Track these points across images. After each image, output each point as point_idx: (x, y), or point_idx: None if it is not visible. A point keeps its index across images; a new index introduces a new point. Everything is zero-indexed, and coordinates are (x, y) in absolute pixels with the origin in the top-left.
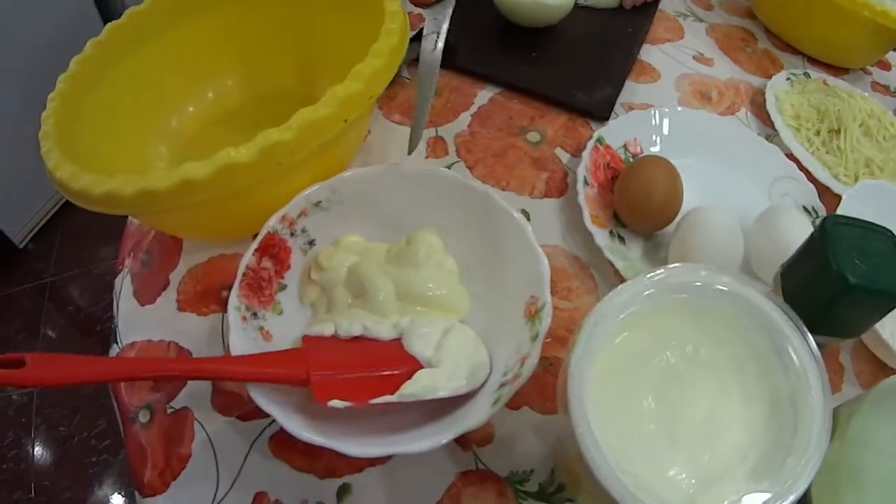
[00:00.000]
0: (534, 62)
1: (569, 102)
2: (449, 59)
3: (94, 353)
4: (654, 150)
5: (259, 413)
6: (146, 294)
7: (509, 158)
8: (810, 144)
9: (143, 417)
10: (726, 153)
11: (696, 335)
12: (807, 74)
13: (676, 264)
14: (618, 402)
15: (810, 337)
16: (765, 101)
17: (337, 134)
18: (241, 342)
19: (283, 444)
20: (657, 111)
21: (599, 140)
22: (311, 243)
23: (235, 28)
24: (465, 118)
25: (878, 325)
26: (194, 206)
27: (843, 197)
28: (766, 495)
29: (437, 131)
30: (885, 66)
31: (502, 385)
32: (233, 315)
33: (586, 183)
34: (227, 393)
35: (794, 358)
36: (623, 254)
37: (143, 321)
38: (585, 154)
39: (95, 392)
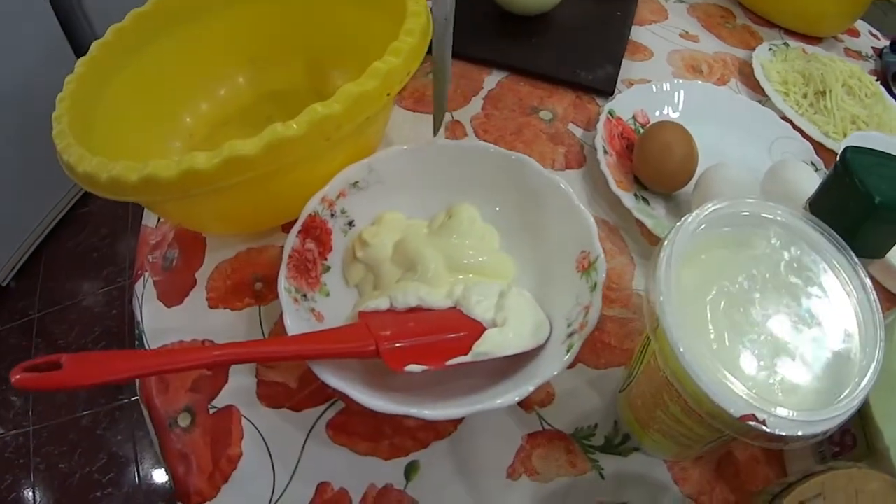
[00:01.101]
0: (534, 46)
1: (574, 81)
2: (460, 49)
3: None
4: (661, 118)
5: (312, 400)
6: (172, 296)
7: (526, 135)
8: (799, 107)
9: (184, 422)
10: (726, 118)
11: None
12: (786, 44)
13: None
14: (698, 315)
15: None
16: (752, 70)
17: (380, 108)
18: (297, 324)
19: (343, 429)
20: (656, 85)
21: (611, 113)
22: (351, 224)
23: (244, 26)
24: (477, 102)
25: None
26: (219, 194)
27: (842, 145)
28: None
29: (452, 115)
30: (854, 34)
31: (571, 335)
32: (285, 297)
33: (605, 152)
34: (273, 384)
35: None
36: (650, 213)
37: (171, 323)
38: (600, 126)
39: (92, 425)
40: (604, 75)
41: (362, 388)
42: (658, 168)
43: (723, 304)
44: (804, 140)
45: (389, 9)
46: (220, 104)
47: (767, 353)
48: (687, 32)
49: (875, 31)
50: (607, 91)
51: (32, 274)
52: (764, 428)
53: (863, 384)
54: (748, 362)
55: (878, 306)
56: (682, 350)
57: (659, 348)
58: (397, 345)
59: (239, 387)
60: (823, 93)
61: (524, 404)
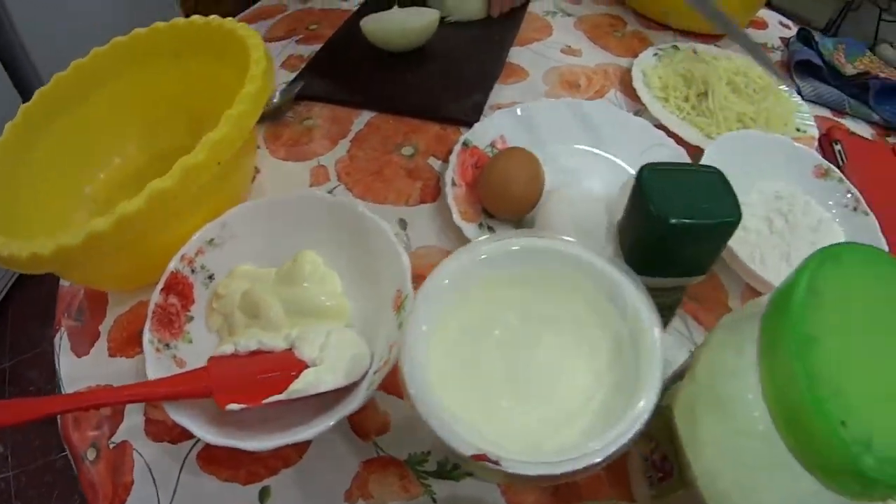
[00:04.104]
0: (405, 82)
1: (439, 114)
2: (326, 94)
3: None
4: (523, 143)
5: (185, 435)
6: (81, 347)
7: (385, 174)
8: (681, 111)
9: (91, 455)
10: (595, 134)
11: (536, 297)
12: (675, 47)
13: (487, 237)
14: (465, 366)
15: (640, 282)
16: (632, 79)
17: (216, 176)
18: (156, 370)
19: (209, 459)
20: (520, 107)
21: (465, 143)
22: (211, 277)
23: (130, 95)
24: (344, 145)
25: (747, 256)
26: (109, 257)
27: (706, 151)
28: (613, 431)
29: (318, 161)
30: (761, 25)
31: (376, 372)
32: (147, 348)
33: (454, 184)
34: (156, 422)
35: (629, 304)
36: None
37: (81, 372)
38: (452, 157)
39: (66, 467)
40: (470, 105)
41: (204, 424)
42: (498, 195)
43: (489, 346)
44: (677, 147)
45: (239, 63)
46: (117, 170)
47: (533, 391)
48: (570, 47)
49: (787, 21)
50: (471, 121)
51: (0, 324)
52: (500, 468)
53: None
54: (505, 403)
55: (658, 342)
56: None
57: None
58: (230, 384)
59: (132, 424)
60: (706, 94)
61: (361, 433)
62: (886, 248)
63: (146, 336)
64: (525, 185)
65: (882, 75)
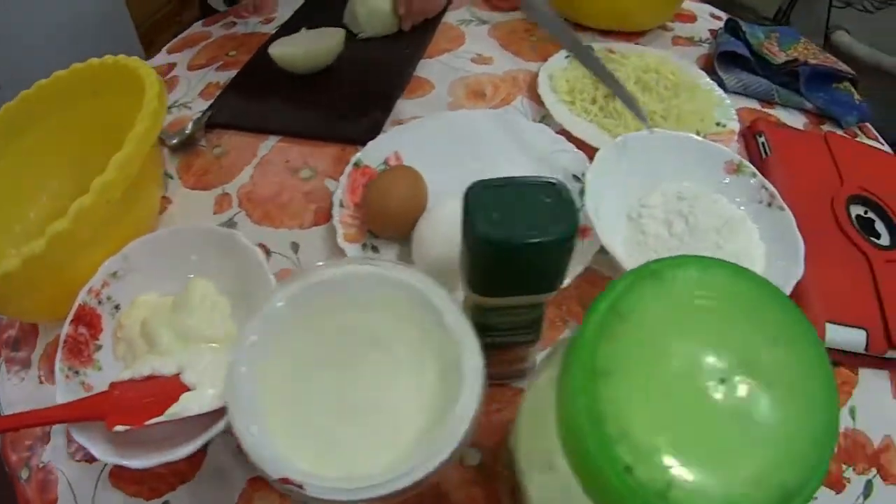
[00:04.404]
0: (310, 105)
1: (337, 135)
2: (234, 121)
3: None
4: (417, 159)
5: None
6: (16, 375)
7: (283, 198)
8: (588, 113)
9: (24, 474)
10: (495, 143)
11: (371, 321)
12: (589, 48)
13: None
14: (295, 389)
15: (459, 307)
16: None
17: (112, 213)
18: (65, 395)
19: (118, 476)
20: (415, 122)
21: (357, 163)
22: (117, 307)
23: (58, 134)
24: (248, 171)
25: (642, 261)
26: (26, 293)
27: (596, 156)
28: (423, 457)
29: (223, 189)
30: (689, 19)
31: None
32: (58, 375)
33: (342, 205)
34: (75, 442)
35: (451, 330)
36: None
37: (17, 398)
38: (343, 178)
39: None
40: (368, 124)
41: (101, 443)
42: (377, 214)
43: (320, 369)
44: (578, 151)
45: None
46: (47, 208)
47: (359, 415)
48: (480, 55)
49: (718, 13)
50: (365, 140)
51: None
52: (303, 492)
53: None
54: (330, 425)
55: (478, 369)
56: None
57: None
58: (122, 408)
59: (56, 445)
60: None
61: None
62: (801, 244)
63: (57, 364)
64: (403, 203)
65: (813, 61)
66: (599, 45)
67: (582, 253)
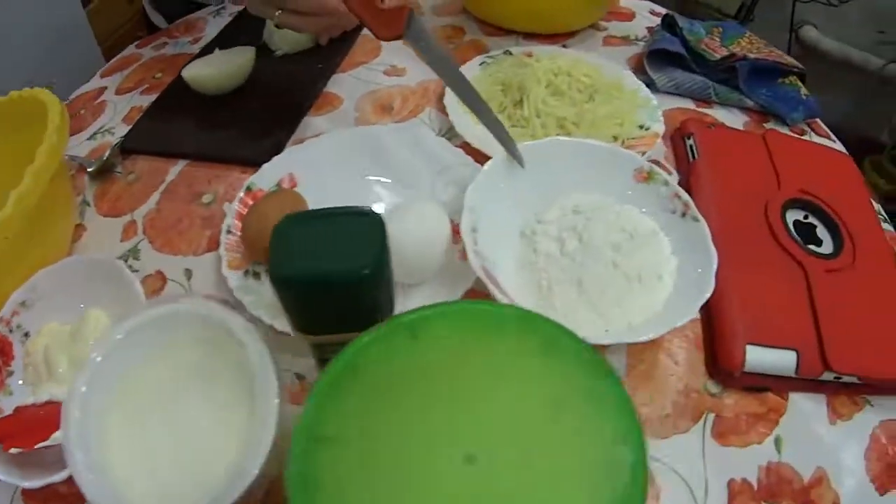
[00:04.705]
0: (219, 127)
1: (238, 157)
2: (145, 146)
3: None
4: (311, 180)
5: None
6: None
7: (183, 224)
8: None
9: None
10: (394, 159)
11: (206, 357)
12: (508, 52)
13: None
14: (133, 425)
15: (265, 348)
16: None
17: (15, 246)
18: None
19: (32, 495)
20: (313, 140)
21: (248, 187)
22: (27, 335)
23: None
24: (154, 198)
25: (533, 284)
26: None
27: (483, 168)
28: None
29: (132, 216)
30: (627, 17)
31: None
32: None
33: (229, 231)
34: None
35: (254, 363)
36: (255, 290)
37: None
38: (234, 204)
39: None
40: (270, 144)
41: (3, 463)
42: (255, 240)
43: (155, 406)
44: (476, 165)
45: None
46: None
47: (187, 452)
48: (394, 67)
49: (659, 9)
50: (260, 161)
51: None
52: None
53: None
54: (164, 463)
55: (274, 409)
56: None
57: None
58: (21, 431)
59: None
60: (522, 101)
61: None
62: (714, 258)
63: None
64: None
65: (754, 56)
66: (519, 50)
67: (463, 276)
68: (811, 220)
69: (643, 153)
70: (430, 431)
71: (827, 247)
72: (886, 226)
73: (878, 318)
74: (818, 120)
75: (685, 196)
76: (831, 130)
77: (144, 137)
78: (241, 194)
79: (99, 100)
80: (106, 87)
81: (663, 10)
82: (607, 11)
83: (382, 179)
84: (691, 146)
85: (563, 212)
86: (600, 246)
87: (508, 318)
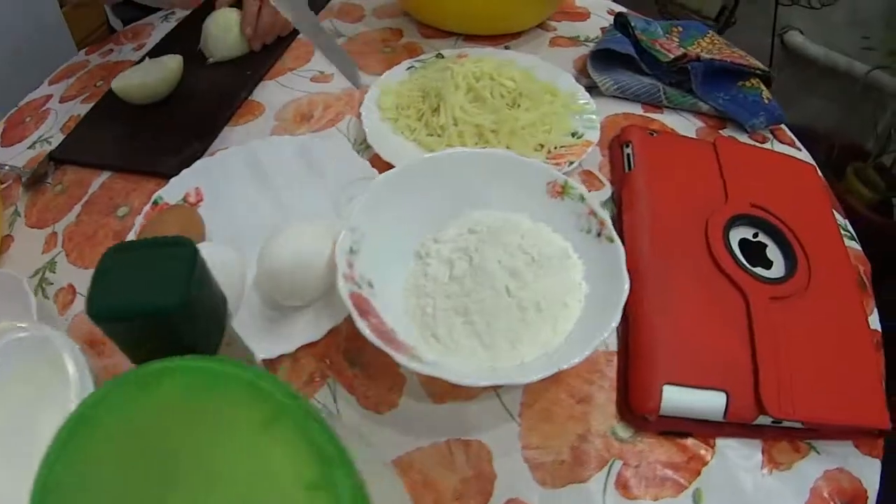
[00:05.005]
0: (142, 138)
1: (152, 169)
2: (72, 157)
3: None
4: (216, 194)
5: None
6: None
7: (98, 237)
8: (412, 132)
9: None
10: (299, 174)
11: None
12: (440, 55)
13: None
14: None
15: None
16: None
17: None
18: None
19: None
20: (224, 153)
21: (156, 201)
22: None
23: None
24: (76, 209)
25: (418, 311)
26: None
27: (373, 184)
28: None
29: (53, 228)
30: (581, 17)
31: None
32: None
33: None
34: None
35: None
36: None
37: None
38: (139, 217)
39: None
40: (185, 156)
41: None
42: None
43: None
44: None
45: None
46: None
47: None
48: (322, 73)
49: (618, 8)
50: (170, 174)
51: None
52: None
53: None
54: None
55: None
56: None
57: None
58: None
59: None
60: (439, 108)
61: None
62: (625, 285)
63: None
64: None
65: (709, 56)
66: (453, 52)
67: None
68: (761, 238)
69: (571, 163)
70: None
71: (777, 269)
72: (852, 243)
73: (832, 352)
74: (783, 126)
75: (602, 213)
76: (815, 138)
77: (73, 148)
78: (147, 208)
79: (44, 108)
80: (52, 95)
81: (622, 9)
82: (556, 11)
83: (286, 193)
84: (628, 155)
85: (460, 231)
86: (493, 270)
87: (237, 380)
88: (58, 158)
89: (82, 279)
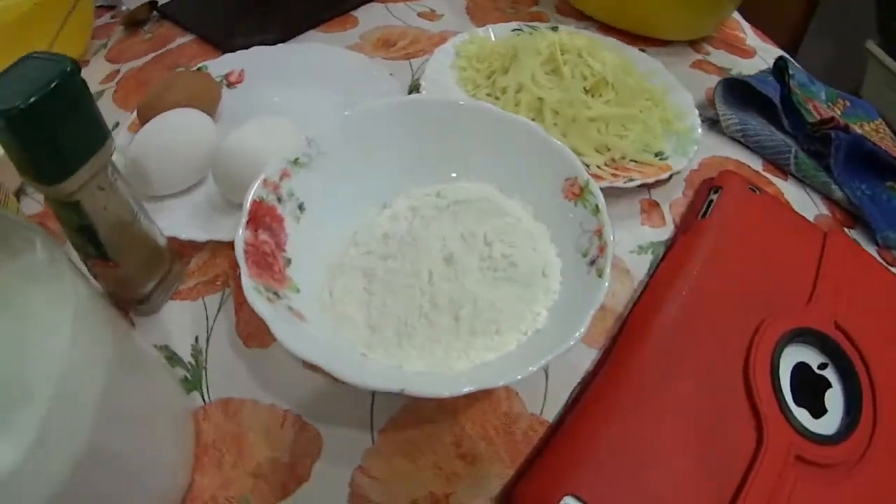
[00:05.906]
0: (237, 16)
1: (225, 43)
2: (170, 11)
3: None
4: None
5: None
6: None
7: (145, 87)
8: (474, 87)
9: None
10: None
11: None
12: (555, 28)
13: None
14: None
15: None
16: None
17: None
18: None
19: None
20: (280, 48)
21: (200, 68)
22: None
23: None
24: (148, 57)
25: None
26: None
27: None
28: None
29: (119, 66)
30: (745, 53)
31: None
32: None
33: None
34: None
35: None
36: None
37: None
38: None
39: None
40: (258, 42)
41: None
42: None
43: None
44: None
45: None
46: None
47: None
48: (433, 11)
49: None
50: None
51: None
52: None
53: None
54: None
55: None
56: None
57: None
58: None
59: None
60: (507, 70)
61: None
62: (578, 332)
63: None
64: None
65: (858, 131)
66: (567, 28)
67: None
68: (828, 373)
69: (632, 179)
70: None
71: (829, 423)
72: None
73: None
74: None
75: (608, 237)
76: None
77: (174, 4)
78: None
79: None
80: None
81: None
82: (718, 39)
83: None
84: (710, 202)
85: (428, 192)
86: (427, 245)
87: None
88: (160, 10)
89: (120, 120)
